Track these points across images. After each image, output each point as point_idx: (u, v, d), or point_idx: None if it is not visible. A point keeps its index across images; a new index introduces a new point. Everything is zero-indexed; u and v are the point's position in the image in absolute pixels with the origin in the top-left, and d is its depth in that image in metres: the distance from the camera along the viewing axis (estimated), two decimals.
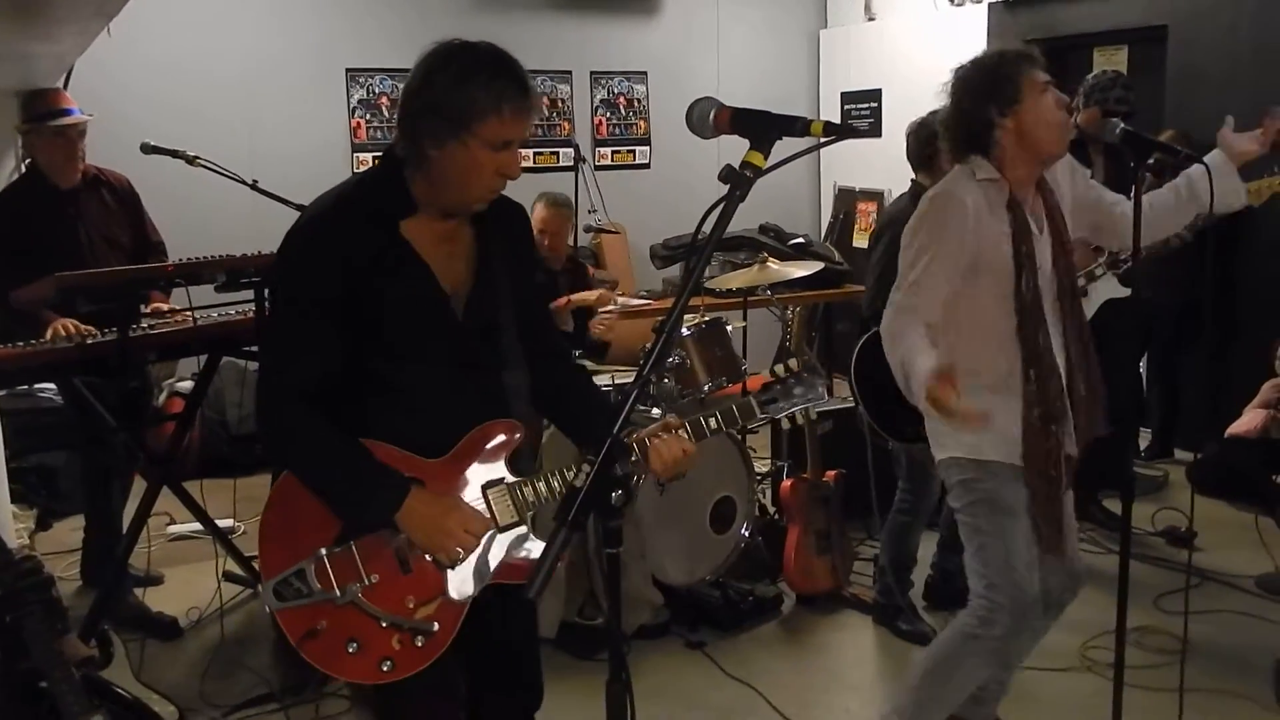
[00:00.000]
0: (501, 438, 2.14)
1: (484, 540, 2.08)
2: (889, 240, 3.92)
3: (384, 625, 2.04)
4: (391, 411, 2.10)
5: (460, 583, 2.07)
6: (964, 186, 2.67)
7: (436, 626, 2.05)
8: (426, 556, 2.05)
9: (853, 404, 5.17)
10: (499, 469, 2.13)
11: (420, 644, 2.05)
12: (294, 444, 2.06)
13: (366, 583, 2.04)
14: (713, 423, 2.20)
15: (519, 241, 2.29)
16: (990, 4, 7.06)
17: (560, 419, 2.41)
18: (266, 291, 3.58)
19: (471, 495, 2.10)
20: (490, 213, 2.14)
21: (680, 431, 2.15)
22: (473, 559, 2.07)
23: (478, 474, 2.12)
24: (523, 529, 2.13)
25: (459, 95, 1.96)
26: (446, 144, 1.98)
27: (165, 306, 3.95)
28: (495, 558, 2.10)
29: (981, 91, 2.67)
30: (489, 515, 2.09)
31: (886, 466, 4.17)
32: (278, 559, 2.04)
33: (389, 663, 2.04)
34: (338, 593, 2.02)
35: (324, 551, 2.03)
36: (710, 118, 1.73)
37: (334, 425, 2.04)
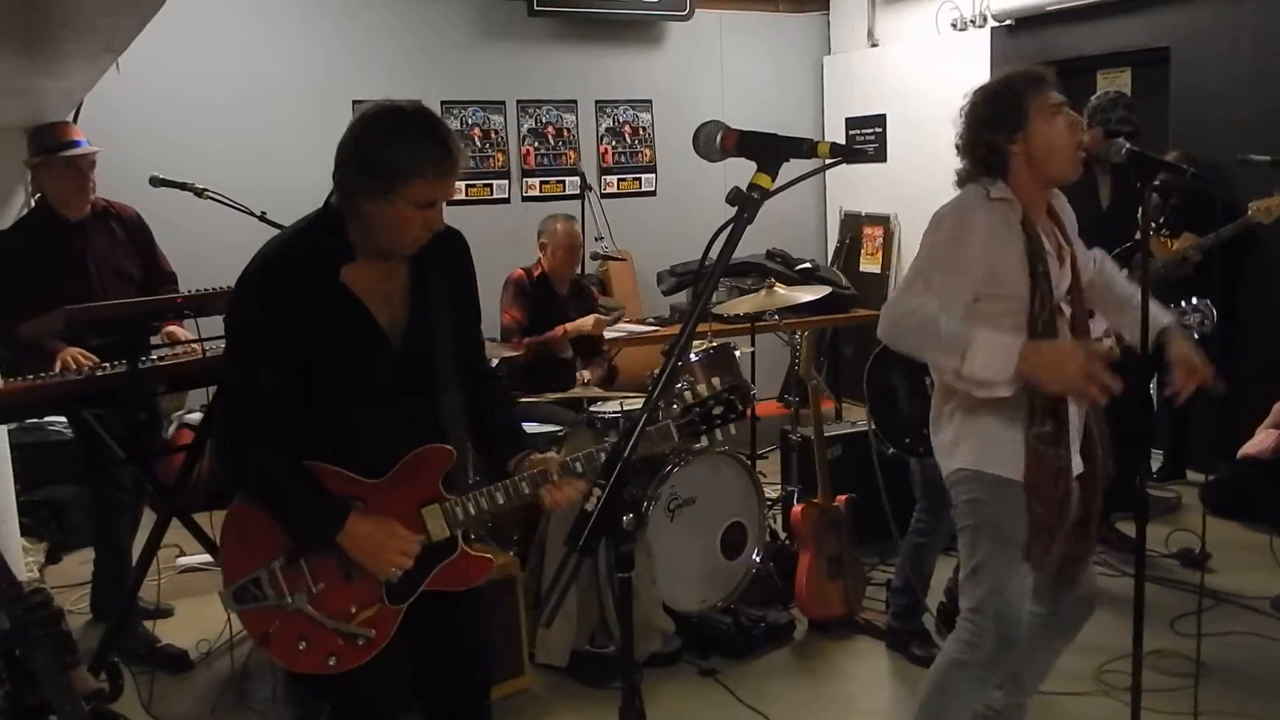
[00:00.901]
0: (435, 461, 2.34)
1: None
2: None
3: (329, 629, 2.27)
4: (336, 436, 2.29)
5: (397, 592, 2.31)
6: (977, 206, 2.65)
7: (374, 633, 2.29)
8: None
9: (861, 429, 5.22)
10: (433, 489, 2.34)
11: (360, 644, 2.30)
12: (250, 473, 2.25)
13: (314, 591, 2.27)
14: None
15: (457, 269, 2.44)
16: (993, 28, 7.09)
17: (475, 438, 2.53)
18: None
19: (407, 514, 2.30)
20: (428, 244, 2.29)
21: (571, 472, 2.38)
22: (407, 571, 2.29)
23: (413, 493, 2.33)
24: (454, 542, 2.37)
25: (386, 158, 2.12)
26: (376, 201, 2.15)
27: (182, 334, 3.96)
28: (428, 569, 2.34)
29: (988, 118, 2.67)
30: (423, 532, 2.31)
31: (905, 487, 4.15)
32: (238, 567, 2.27)
33: (334, 658, 2.29)
34: (288, 599, 2.25)
35: (276, 564, 2.26)
36: (717, 141, 1.73)
37: (286, 451, 2.23)
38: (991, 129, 2.65)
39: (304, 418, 2.24)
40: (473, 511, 2.34)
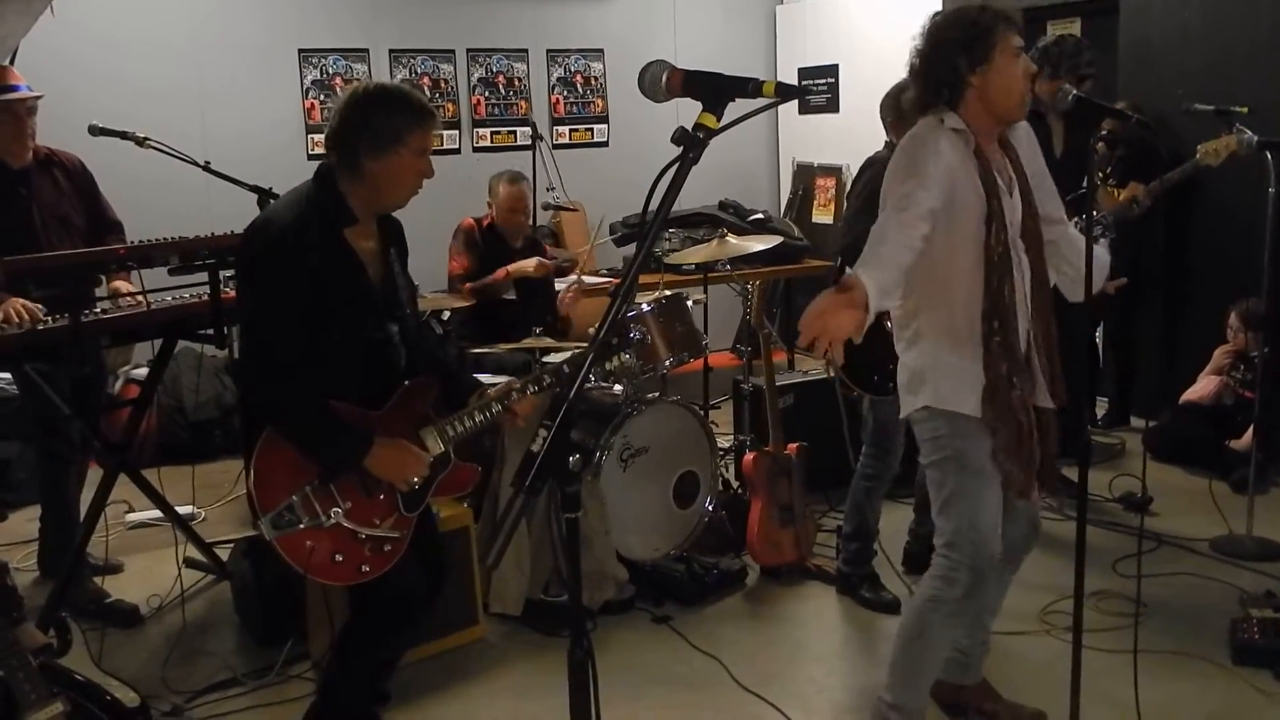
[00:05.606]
0: (423, 391, 2.82)
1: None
2: (870, 177, 3.87)
3: (361, 538, 2.64)
4: (340, 375, 2.68)
5: (410, 502, 2.74)
6: (935, 133, 2.66)
7: (397, 534, 2.70)
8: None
9: (813, 378, 5.25)
10: (426, 413, 2.80)
11: (386, 550, 2.68)
12: (283, 412, 2.60)
13: (343, 508, 2.62)
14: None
15: (401, 242, 2.91)
16: None
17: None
18: (223, 275, 3.57)
19: (408, 436, 2.72)
20: (385, 220, 2.82)
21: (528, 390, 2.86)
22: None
23: (411, 418, 2.77)
24: (448, 457, 2.80)
25: (393, 119, 2.62)
26: (384, 157, 2.62)
27: (126, 287, 3.88)
28: (432, 481, 2.78)
29: (955, 43, 2.66)
30: (424, 449, 2.73)
31: (858, 432, 4.18)
32: (271, 497, 2.57)
33: (366, 566, 2.66)
34: (323, 518, 2.59)
35: (308, 488, 2.59)
36: (662, 81, 1.72)
37: (310, 391, 2.59)
38: (957, 54, 2.64)
39: (314, 359, 2.60)
40: (461, 429, 2.78)
